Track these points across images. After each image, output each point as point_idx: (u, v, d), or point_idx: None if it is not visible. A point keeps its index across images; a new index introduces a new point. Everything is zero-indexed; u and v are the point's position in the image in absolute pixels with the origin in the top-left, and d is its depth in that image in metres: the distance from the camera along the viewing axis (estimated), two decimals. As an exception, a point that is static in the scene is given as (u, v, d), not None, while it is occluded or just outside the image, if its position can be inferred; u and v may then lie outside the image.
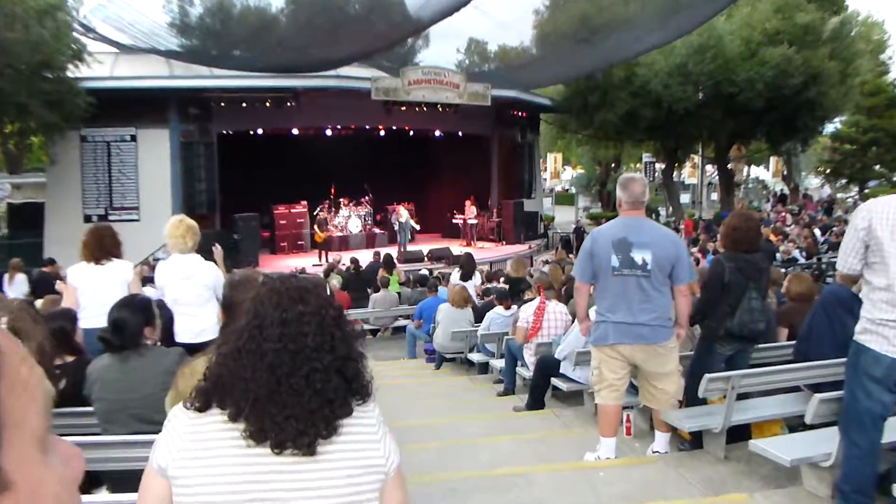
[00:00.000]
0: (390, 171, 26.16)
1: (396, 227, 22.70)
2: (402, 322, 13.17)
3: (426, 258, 20.81)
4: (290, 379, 1.43)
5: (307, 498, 1.44)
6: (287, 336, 1.44)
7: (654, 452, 4.93)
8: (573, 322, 6.70)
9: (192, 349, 3.32)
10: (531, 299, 7.90)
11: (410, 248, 22.22)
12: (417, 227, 23.84)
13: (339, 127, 24.28)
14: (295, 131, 23.08)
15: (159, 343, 3.44)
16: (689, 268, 4.62)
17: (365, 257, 16.83)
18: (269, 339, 1.44)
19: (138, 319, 3.23)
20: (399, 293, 13.85)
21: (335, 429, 1.47)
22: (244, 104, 19.80)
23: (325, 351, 1.46)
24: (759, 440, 4.20)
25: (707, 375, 4.59)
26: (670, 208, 33.22)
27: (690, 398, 4.95)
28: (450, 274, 13.74)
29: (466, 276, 12.16)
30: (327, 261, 17.87)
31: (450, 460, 5.15)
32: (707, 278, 5.08)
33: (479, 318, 9.89)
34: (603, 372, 4.78)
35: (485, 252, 22.52)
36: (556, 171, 39.59)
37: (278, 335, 1.43)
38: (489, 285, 12.49)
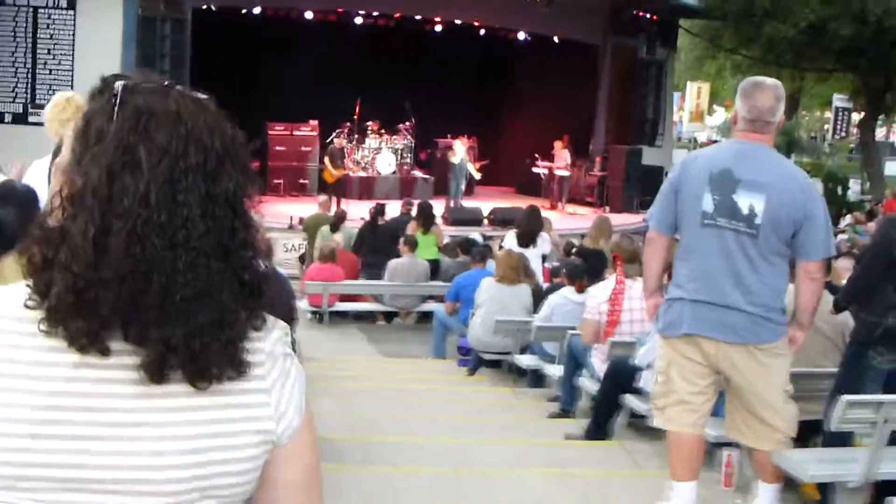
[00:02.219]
0: (446, 87, 26.21)
1: (451, 174, 22.70)
2: (432, 305, 13.35)
3: (486, 221, 20.82)
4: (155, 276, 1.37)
5: (124, 468, 1.39)
6: (158, 196, 1.38)
7: (757, 515, 4.94)
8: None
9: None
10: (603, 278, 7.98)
11: (465, 203, 22.41)
12: (478, 175, 23.88)
13: (375, 14, 24.37)
14: (309, 14, 23.21)
15: None
16: (825, 235, 4.58)
17: (395, 210, 17.06)
18: (122, 196, 1.38)
19: (16, 216, 3.29)
20: (435, 261, 14.02)
21: (237, 361, 1.44)
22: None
23: (217, 227, 1.43)
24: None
25: (845, 398, 4.54)
26: (867, 180, 32.46)
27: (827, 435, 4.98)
28: (502, 238, 13.87)
29: (526, 241, 12.16)
30: (338, 206, 17.95)
31: (444, 498, 5.23)
32: (868, 248, 5.06)
33: (539, 303, 9.88)
34: (672, 378, 4.77)
35: (576, 220, 22.38)
36: (699, 110, 39.13)
37: (141, 195, 1.38)
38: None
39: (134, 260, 1.33)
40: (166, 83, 1.48)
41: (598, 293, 7.66)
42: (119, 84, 1.45)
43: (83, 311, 1.35)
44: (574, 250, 12.37)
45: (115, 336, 1.37)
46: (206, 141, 1.44)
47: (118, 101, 1.43)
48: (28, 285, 1.40)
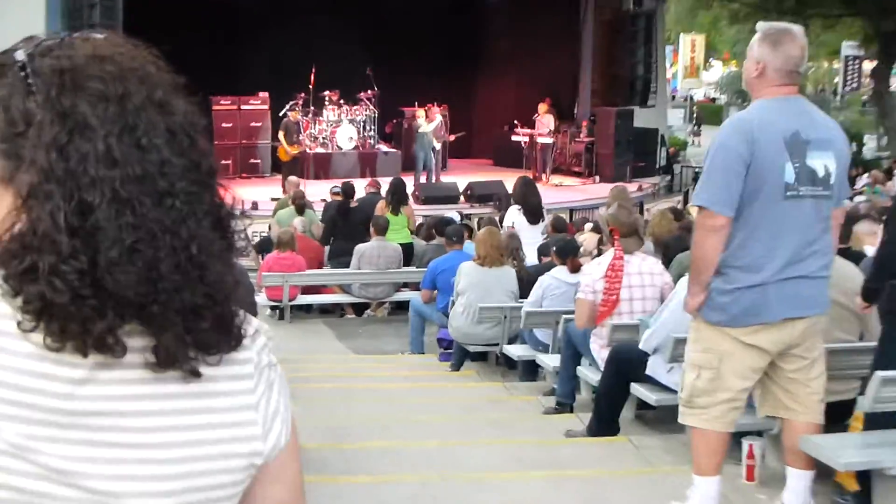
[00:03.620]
0: (412, 50, 26.18)
1: (417, 146, 22.73)
2: (407, 294, 13.37)
3: (463, 197, 20.87)
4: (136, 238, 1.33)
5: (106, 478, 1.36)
6: (122, 149, 1.34)
7: (787, 509, 4.97)
8: (674, 290, 6.68)
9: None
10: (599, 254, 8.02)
11: (442, 178, 22.48)
12: (438, 146, 23.02)
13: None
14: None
15: None
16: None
17: (359, 189, 17.11)
18: (78, 155, 1.32)
19: None
20: (408, 245, 14.07)
21: (234, 328, 1.43)
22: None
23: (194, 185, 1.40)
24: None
25: (880, 375, 4.60)
26: (884, 135, 32.59)
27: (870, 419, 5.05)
28: (502, 217, 13.93)
29: (536, 216, 12.40)
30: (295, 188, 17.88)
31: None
32: (894, 210, 5.09)
33: (528, 288, 9.87)
34: (723, 375, 4.80)
35: (563, 192, 22.52)
36: (694, 65, 39.22)
37: (103, 155, 1.33)
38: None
39: (133, 227, 1.30)
40: (62, 34, 1.45)
41: (593, 270, 7.65)
42: (20, 54, 1.41)
43: (95, 307, 1.30)
44: (588, 227, 12.44)
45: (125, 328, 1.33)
46: (141, 70, 1.41)
47: (28, 72, 1.38)
48: (19, 307, 1.33)
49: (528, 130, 24.76)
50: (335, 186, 16.46)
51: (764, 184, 4.60)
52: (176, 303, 1.32)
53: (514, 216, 12.68)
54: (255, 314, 5.99)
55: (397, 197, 14.67)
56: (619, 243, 7.54)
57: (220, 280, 1.37)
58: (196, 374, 1.38)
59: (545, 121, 24.27)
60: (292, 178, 17.83)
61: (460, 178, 22.68)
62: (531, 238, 12.13)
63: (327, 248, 14.43)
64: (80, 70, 1.37)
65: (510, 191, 16.31)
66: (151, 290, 1.31)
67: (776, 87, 4.69)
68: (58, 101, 1.34)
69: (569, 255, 9.32)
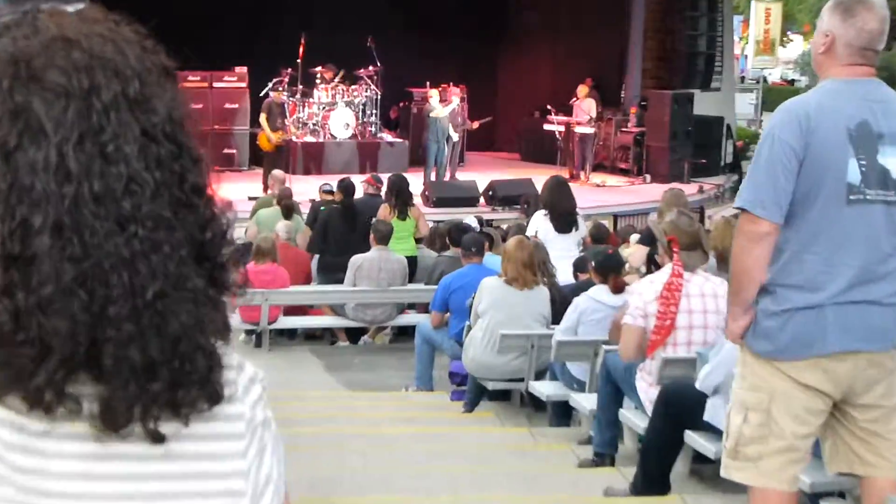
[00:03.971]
0: (423, 17, 26.17)
1: (429, 136, 22.63)
2: (413, 317, 13.30)
3: (483, 199, 20.82)
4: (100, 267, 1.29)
5: None
6: (79, 160, 1.30)
7: None
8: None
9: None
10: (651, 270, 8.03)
11: (458, 176, 22.51)
12: (456, 137, 23.18)
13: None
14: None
15: None
16: None
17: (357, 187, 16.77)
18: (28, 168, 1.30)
19: None
20: (414, 258, 13.97)
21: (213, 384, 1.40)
22: None
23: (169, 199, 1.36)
24: None
25: None
26: None
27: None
28: (525, 224, 13.85)
29: (566, 224, 12.30)
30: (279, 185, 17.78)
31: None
32: None
33: (561, 312, 9.83)
34: (775, 417, 4.74)
35: (606, 194, 22.44)
36: (769, 39, 39.02)
37: (56, 166, 1.29)
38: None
39: (75, 260, 1.26)
40: (24, 9, 1.40)
41: (644, 289, 7.55)
42: None
43: (31, 356, 1.27)
44: (635, 237, 12.49)
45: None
46: (117, 58, 1.36)
47: None
48: None
49: (564, 118, 24.62)
50: (326, 184, 16.42)
51: (821, 184, 4.58)
52: (127, 357, 1.29)
53: (540, 223, 12.64)
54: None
55: (402, 198, 14.54)
56: (679, 257, 7.49)
57: (188, 330, 1.33)
58: (157, 439, 1.34)
59: (585, 106, 24.15)
60: (277, 173, 17.74)
61: (480, 175, 22.65)
62: (562, 250, 12.07)
63: (315, 260, 14.30)
64: (39, 58, 1.33)
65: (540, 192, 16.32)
66: (93, 339, 1.28)
67: (845, 66, 4.65)
68: (9, 95, 1.32)
69: (611, 271, 9.26)
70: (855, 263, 4.60)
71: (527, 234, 12.53)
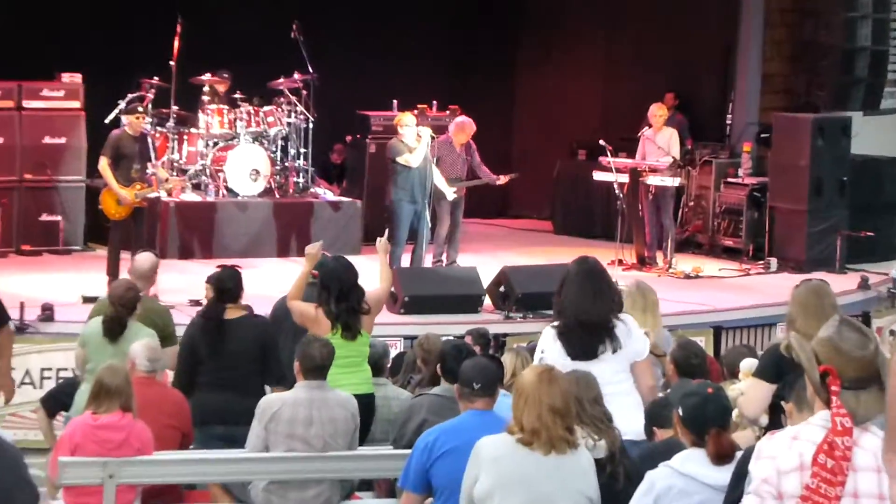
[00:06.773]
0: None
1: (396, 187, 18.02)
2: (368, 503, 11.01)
3: (490, 299, 17.03)
4: None
5: None
6: None
7: None
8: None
9: None
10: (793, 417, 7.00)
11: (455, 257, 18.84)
12: (451, 194, 18.65)
13: None
14: None
15: None
16: None
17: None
18: None
19: None
20: (368, 397, 11.12)
21: None
22: None
23: None
24: None
25: None
26: None
27: None
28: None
29: (585, 347, 9.59)
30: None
31: None
32: None
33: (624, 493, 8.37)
34: None
35: (701, 290, 18.47)
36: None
37: None
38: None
39: None
40: None
41: (778, 451, 5.44)
42: None
43: None
44: (751, 365, 10.22)
45: None
46: None
47: None
48: None
49: (628, 161, 19.48)
50: (212, 275, 11.99)
51: None
52: None
53: (549, 342, 9.71)
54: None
55: (343, 297, 10.82)
56: (842, 402, 5.29)
57: None
58: None
59: (663, 141, 19.03)
60: (142, 261, 12.79)
61: (485, 259, 18.88)
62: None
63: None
64: None
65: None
66: None
67: None
68: None
69: (710, 425, 7.56)
70: None
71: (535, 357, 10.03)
